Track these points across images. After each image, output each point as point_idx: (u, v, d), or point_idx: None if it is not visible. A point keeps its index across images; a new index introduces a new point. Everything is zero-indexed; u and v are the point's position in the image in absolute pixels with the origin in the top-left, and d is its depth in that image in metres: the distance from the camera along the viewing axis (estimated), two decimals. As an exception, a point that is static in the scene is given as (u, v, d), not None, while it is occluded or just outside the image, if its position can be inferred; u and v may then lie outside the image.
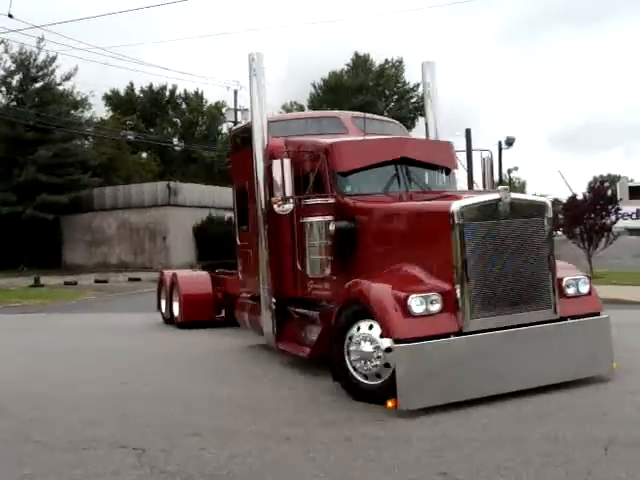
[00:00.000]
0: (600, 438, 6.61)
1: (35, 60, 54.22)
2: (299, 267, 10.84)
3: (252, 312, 12.59)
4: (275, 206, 10.45)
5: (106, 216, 52.51)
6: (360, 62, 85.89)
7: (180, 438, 7.13)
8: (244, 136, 12.57)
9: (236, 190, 13.39)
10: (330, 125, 12.61)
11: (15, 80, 54.81)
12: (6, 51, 53.22)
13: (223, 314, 16.57)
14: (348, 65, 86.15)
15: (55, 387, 10.18)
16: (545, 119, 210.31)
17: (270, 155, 10.89)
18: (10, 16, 31.47)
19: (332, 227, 9.91)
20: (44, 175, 50.04)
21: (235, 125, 56.41)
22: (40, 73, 54.70)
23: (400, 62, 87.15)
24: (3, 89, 55.29)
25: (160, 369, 11.54)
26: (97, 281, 37.68)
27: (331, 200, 10.20)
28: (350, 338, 8.61)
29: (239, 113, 53.77)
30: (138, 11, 51.82)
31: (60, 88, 56.65)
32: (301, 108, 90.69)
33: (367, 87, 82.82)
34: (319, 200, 10.40)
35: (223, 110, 70.73)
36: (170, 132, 77.96)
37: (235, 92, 52.95)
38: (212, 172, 72.49)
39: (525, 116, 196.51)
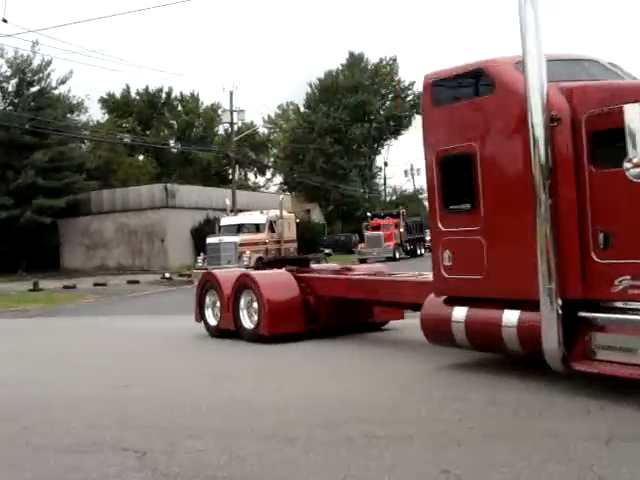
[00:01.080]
0: (601, 433, 6.61)
1: (30, 64, 54.23)
2: (596, 258, 8.14)
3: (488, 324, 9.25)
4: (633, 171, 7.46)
5: (104, 219, 52.54)
6: (355, 61, 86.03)
7: (181, 440, 7.13)
8: (464, 82, 10.02)
9: (439, 158, 10.06)
10: (593, 68, 9.69)
11: (11, 85, 54.84)
12: (1, 56, 53.24)
13: (315, 323, 13.81)
14: (343, 65, 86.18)
15: (55, 390, 10.17)
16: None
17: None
18: (5, 21, 31.47)
19: None
20: (41, 179, 50.03)
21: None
22: (36, 77, 54.74)
23: (394, 60, 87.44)
24: (-1, 94, 55.27)
25: (160, 371, 11.54)
26: (96, 284, 37.68)
27: None
28: None
29: (235, 114, 53.77)
30: (133, 14, 52.34)
31: (56, 92, 56.77)
32: (297, 108, 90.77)
33: (363, 86, 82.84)
34: None
35: (219, 111, 70.76)
36: (167, 134, 77.99)
37: (231, 93, 52.90)
38: (209, 174, 72.52)
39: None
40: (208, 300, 15.32)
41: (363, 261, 48.26)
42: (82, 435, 7.54)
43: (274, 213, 34.98)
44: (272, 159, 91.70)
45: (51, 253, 53.50)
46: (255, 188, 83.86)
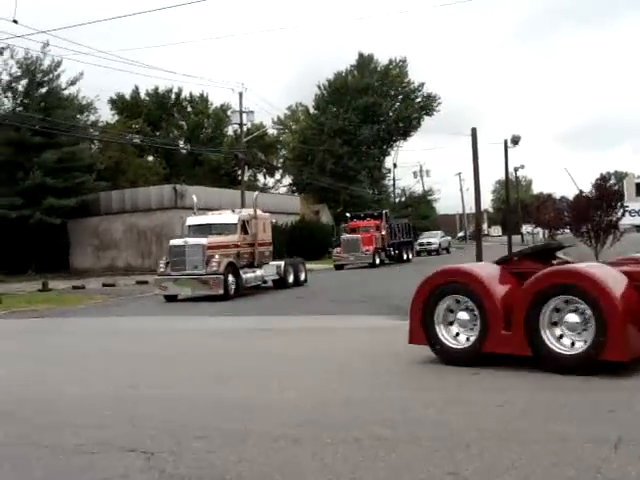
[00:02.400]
0: (609, 436, 6.58)
1: (40, 65, 54.33)
2: None
3: None
4: None
5: (113, 220, 52.65)
6: (365, 63, 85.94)
7: (189, 441, 7.13)
8: None
9: None
10: None
11: (21, 85, 54.94)
12: (12, 56, 53.38)
13: None
14: (352, 66, 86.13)
15: (64, 391, 10.20)
16: (552, 118, 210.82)
17: None
18: (15, 22, 31.54)
19: None
20: (50, 179, 50.16)
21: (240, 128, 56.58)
22: (45, 78, 54.82)
23: (404, 61, 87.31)
24: (9, 94, 55.40)
25: (168, 372, 11.56)
26: (105, 285, 37.74)
27: None
28: None
29: (245, 115, 53.79)
30: (143, 14, 52.40)
31: (65, 92, 56.82)
32: (307, 109, 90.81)
33: (372, 87, 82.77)
34: None
35: (228, 112, 70.82)
36: (176, 135, 78.13)
37: (240, 94, 52.88)
38: (218, 174, 72.57)
39: (532, 115, 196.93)
40: (443, 311, 10.70)
41: (339, 267, 47.29)
42: (91, 435, 7.56)
43: (247, 212, 30.76)
44: (281, 160, 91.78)
45: (60, 253, 53.63)
46: (264, 189, 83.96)
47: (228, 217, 29.66)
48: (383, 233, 50.93)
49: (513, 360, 9.89)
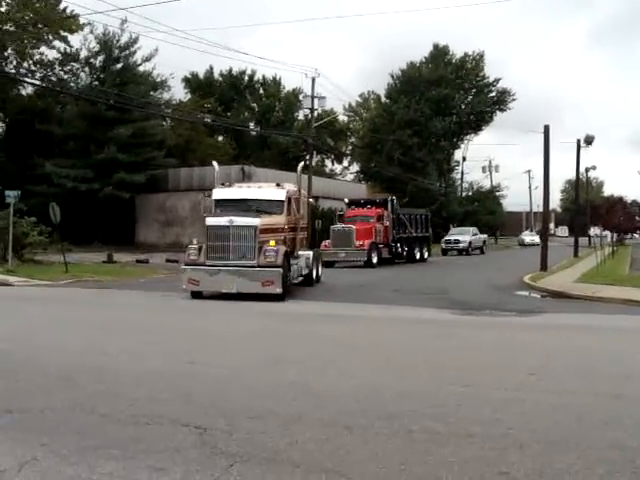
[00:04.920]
0: (669, 448, 6.41)
1: (118, 41, 55.15)
2: None
3: None
4: None
5: (180, 197, 53.25)
6: (439, 54, 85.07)
7: (242, 420, 7.16)
8: None
9: None
10: None
11: (98, 61, 55.85)
12: (91, 32, 54.30)
13: None
14: (426, 57, 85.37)
15: (122, 362, 10.36)
16: (628, 119, 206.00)
17: None
18: (96, -3, 32.11)
19: None
20: (122, 154, 50.94)
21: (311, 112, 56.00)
22: (122, 54, 55.65)
23: (481, 56, 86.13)
24: (86, 69, 56.39)
25: (228, 351, 11.67)
26: (168, 260, 38.18)
27: None
28: None
29: (316, 100, 53.78)
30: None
31: (140, 69, 57.68)
32: (378, 98, 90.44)
33: (446, 80, 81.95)
34: None
35: (300, 97, 70.94)
36: (246, 117, 78.54)
37: (313, 79, 52.89)
38: (287, 158, 72.79)
39: (608, 115, 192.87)
40: None
41: (329, 264, 35.42)
42: (145, 407, 7.65)
43: (292, 188, 24.10)
44: (350, 147, 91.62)
45: (126, 227, 54.51)
46: (332, 175, 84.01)
47: (273, 192, 23.24)
48: (387, 225, 41.81)
49: (571, 364, 9.73)
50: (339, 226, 40.25)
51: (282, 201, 22.67)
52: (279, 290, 20.33)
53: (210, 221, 21.62)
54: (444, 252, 57.70)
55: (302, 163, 27.46)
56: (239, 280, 20.42)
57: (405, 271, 36.58)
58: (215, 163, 25.24)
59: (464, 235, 60.87)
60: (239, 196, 23.04)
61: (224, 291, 20.54)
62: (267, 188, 23.97)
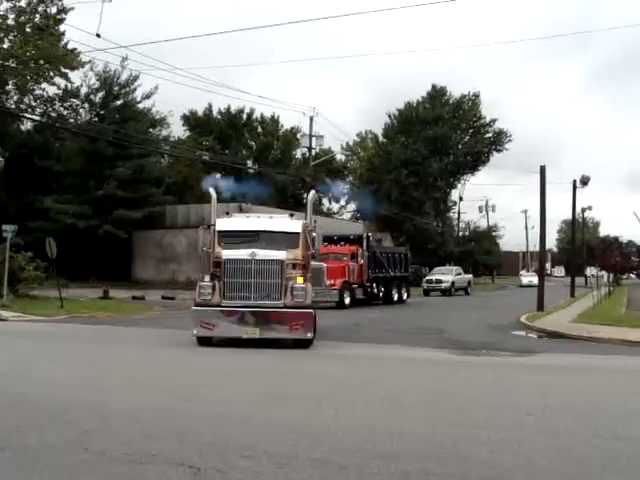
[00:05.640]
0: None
1: (118, 78, 55.58)
2: None
3: None
4: None
5: (177, 234, 53.30)
6: (437, 94, 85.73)
7: (237, 460, 7.10)
8: None
9: None
10: None
11: (98, 97, 56.20)
12: (91, 69, 54.69)
13: None
14: (424, 97, 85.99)
15: (117, 398, 10.29)
16: (624, 160, 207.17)
17: None
18: (98, 36, 32.38)
19: None
20: (121, 191, 51.12)
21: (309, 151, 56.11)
22: (122, 91, 56.04)
23: (477, 96, 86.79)
24: (86, 105, 56.71)
25: (224, 388, 11.61)
26: (164, 297, 38.17)
27: None
28: None
29: (314, 139, 54.09)
30: (218, 35, 53.41)
31: (140, 106, 57.99)
32: (376, 137, 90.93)
33: (443, 119, 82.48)
34: None
35: (298, 135, 71.32)
36: (245, 154, 78.85)
37: (311, 118, 53.32)
38: (284, 196, 72.97)
39: (603, 156, 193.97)
40: None
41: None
42: (140, 445, 7.58)
43: (304, 220, 21.22)
44: (347, 186, 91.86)
45: (123, 263, 54.46)
46: (329, 214, 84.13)
47: (288, 223, 20.67)
48: (361, 263, 38.86)
49: (569, 404, 9.68)
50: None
51: (298, 233, 19.86)
52: (310, 335, 17.76)
53: (227, 254, 18.39)
54: (426, 293, 55.71)
55: (313, 192, 24.38)
56: (263, 324, 17.65)
57: (381, 313, 34.26)
58: (212, 189, 21.75)
59: (446, 275, 58.69)
60: (248, 227, 20.13)
61: (244, 337, 17.55)
62: (280, 219, 21.21)
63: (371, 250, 40.44)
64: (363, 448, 7.69)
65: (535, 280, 66.74)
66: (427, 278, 58.59)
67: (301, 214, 24.06)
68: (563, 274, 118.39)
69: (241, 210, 48.72)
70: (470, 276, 64.79)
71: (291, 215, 21.65)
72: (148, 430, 8.30)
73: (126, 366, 14.15)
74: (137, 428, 8.39)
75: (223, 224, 20.08)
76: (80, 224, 49.89)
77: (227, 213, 21.55)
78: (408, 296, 44.57)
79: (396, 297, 42.42)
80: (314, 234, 21.45)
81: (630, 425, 9.08)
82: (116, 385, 11.54)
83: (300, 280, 18.35)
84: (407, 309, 38.36)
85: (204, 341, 17.92)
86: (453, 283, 57.74)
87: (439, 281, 57.18)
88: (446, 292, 56.21)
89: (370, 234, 42.86)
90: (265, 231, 19.66)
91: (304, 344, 17.72)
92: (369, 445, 7.84)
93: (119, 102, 56.25)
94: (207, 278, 18.41)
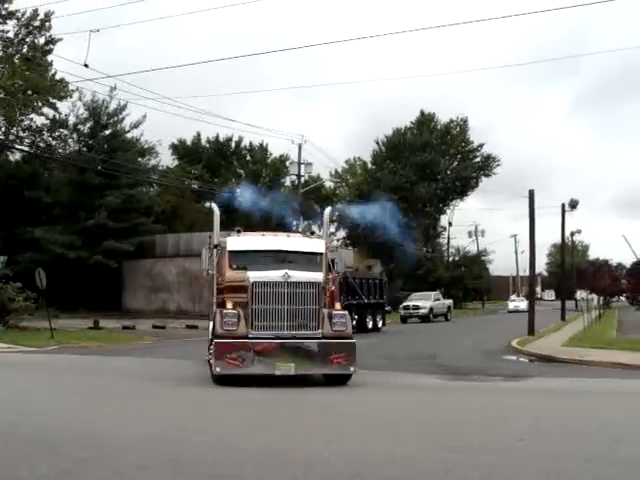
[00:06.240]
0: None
1: (107, 108, 55.68)
2: None
3: None
4: None
5: (167, 263, 53.28)
6: (425, 120, 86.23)
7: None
8: None
9: None
10: None
11: (86, 127, 56.30)
12: (80, 99, 54.82)
13: None
14: (412, 123, 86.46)
15: (110, 428, 10.22)
16: (613, 184, 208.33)
17: None
18: (86, 66, 32.48)
19: None
20: (111, 221, 51.11)
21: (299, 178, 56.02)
22: (110, 121, 56.17)
23: (465, 121, 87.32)
24: (74, 135, 56.79)
25: (218, 417, 11.56)
26: (155, 327, 38.05)
27: None
28: None
29: (302, 167, 54.26)
30: (207, 64, 53.47)
31: (128, 135, 58.11)
32: (364, 164, 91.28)
33: (431, 145, 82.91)
34: None
35: (287, 163, 71.55)
36: (234, 183, 78.99)
37: (299, 146, 53.49)
38: (272, 224, 72.97)
39: (593, 180, 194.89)
40: None
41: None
42: (132, 476, 7.55)
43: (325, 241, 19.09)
44: (337, 213, 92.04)
45: (113, 293, 54.34)
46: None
47: (311, 243, 18.53)
48: (332, 289, 35.15)
49: (561, 428, 9.69)
50: None
51: (321, 254, 17.95)
52: (353, 369, 15.45)
53: (255, 276, 15.72)
54: (403, 320, 53.86)
55: (329, 208, 21.79)
56: (299, 358, 15.21)
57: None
58: (214, 205, 19.35)
59: (424, 300, 55.97)
60: (266, 247, 17.75)
61: (278, 374, 15.18)
62: (299, 238, 19.31)
63: (344, 276, 37.30)
64: (357, 475, 7.68)
65: (521, 305, 65.99)
66: (404, 304, 56.40)
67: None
68: (553, 298, 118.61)
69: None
70: (450, 301, 62.29)
71: (312, 233, 19.63)
72: (140, 460, 8.24)
73: (118, 396, 14.07)
74: (129, 459, 8.33)
75: (235, 243, 17.63)
76: (70, 254, 49.81)
77: (238, 231, 18.62)
78: (384, 324, 42.95)
79: (371, 325, 40.61)
80: (334, 255, 19.44)
81: (622, 448, 9.10)
82: (107, 415, 11.48)
83: (339, 306, 16.70)
84: (382, 337, 36.60)
85: (227, 380, 15.15)
86: (432, 309, 55.55)
87: (417, 307, 55.06)
88: (425, 318, 54.15)
89: (335, 257, 40.14)
90: (285, 251, 17.46)
91: (341, 380, 15.62)
92: (362, 472, 7.83)
93: (107, 132, 56.36)
94: (230, 305, 15.73)
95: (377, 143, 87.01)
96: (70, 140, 57.32)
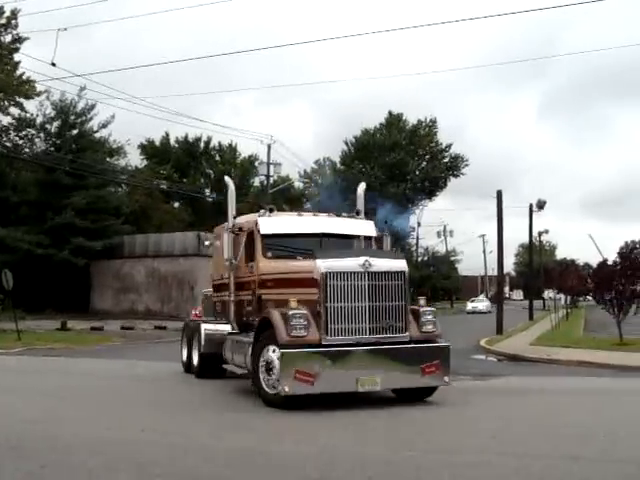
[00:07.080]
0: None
1: (75, 107, 55.16)
2: None
3: None
4: None
5: (135, 263, 52.89)
6: (394, 121, 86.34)
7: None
8: None
9: None
10: None
11: (54, 126, 55.76)
12: (47, 98, 54.25)
13: None
14: (381, 124, 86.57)
15: (75, 431, 10.12)
16: (581, 185, 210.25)
17: None
18: (53, 64, 32.17)
19: None
20: (80, 220, 50.65)
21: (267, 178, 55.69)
22: (78, 120, 55.63)
23: (434, 122, 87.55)
24: (42, 135, 56.23)
25: (181, 418, 11.46)
26: (123, 327, 37.82)
27: None
28: None
29: (271, 167, 54.15)
30: (176, 64, 53.64)
31: (97, 135, 57.60)
32: (333, 164, 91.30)
33: (400, 146, 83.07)
34: None
35: (256, 163, 71.37)
36: (202, 183, 78.64)
37: (268, 146, 53.40)
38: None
39: (561, 180, 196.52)
40: None
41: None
42: (99, 478, 7.48)
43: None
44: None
45: (81, 294, 53.82)
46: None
47: (361, 225, 15.93)
48: None
49: (530, 426, 9.73)
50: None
51: (375, 238, 15.66)
52: (447, 379, 12.70)
53: (328, 266, 12.36)
54: None
55: (363, 184, 18.38)
56: (385, 368, 12.22)
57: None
58: (228, 179, 17.33)
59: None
60: (310, 229, 14.87)
61: (361, 390, 12.20)
62: (344, 219, 16.01)
63: None
64: (326, 476, 7.67)
65: (479, 306, 65.51)
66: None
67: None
68: (521, 297, 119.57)
69: (199, 238, 48.20)
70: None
71: (357, 213, 16.36)
72: (107, 462, 8.17)
73: (84, 398, 13.94)
74: (96, 460, 8.24)
75: (270, 225, 14.70)
76: (38, 251, 49.25)
77: (270, 210, 15.46)
78: None
79: None
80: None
81: (587, 445, 9.17)
82: (74, 417, 11.37)
83: (423, 302, 13.37)
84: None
85: (297, 402, 11.88)
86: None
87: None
88: None
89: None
90: (337, 235, 14.95)
91: (426, 393, 12.98)
92: (331, 472, 7.82)
93: (75, 131, 55.80)
94: (293, 302, 12.20)
95: (346, 144, 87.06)
96: (37, 140, 56.80)
